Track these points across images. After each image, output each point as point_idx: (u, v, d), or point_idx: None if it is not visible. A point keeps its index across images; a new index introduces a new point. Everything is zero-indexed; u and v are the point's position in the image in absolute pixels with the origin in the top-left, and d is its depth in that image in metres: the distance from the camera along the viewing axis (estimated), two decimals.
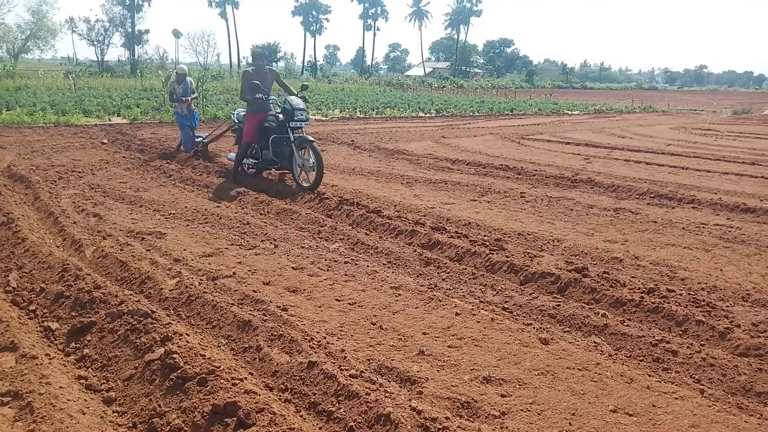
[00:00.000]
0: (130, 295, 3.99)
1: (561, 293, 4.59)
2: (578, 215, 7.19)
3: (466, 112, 25.81)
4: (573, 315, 4.09)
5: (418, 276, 4.90)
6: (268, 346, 3.40)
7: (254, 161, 8.79)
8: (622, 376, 3.27)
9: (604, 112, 30.05)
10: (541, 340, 3.67)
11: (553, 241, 5.97)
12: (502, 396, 3.04)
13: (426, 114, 24.49)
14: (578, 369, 3.33)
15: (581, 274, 4.80)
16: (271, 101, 8.56)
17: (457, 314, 4.04)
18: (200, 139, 10.84)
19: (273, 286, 4.51)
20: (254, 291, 4.32)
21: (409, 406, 2.84)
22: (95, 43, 55.10)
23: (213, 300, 3.97)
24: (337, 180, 8.97)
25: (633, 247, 5.89)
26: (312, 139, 8.00)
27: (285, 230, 6.08)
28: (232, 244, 5.50)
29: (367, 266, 5.00)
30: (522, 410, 2.92)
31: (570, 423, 2.82)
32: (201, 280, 4.48)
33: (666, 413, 2.93)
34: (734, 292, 4.70)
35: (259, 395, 2.80)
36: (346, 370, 3.15)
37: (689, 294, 4.53)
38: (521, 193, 8.41)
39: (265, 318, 3.78)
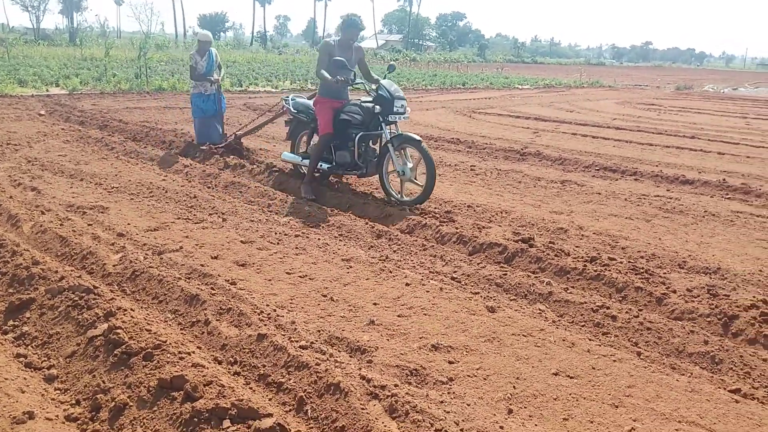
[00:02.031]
0: (71, 270, 3.86)
1: (508, 263, 4.70)
2: (526, 187, 7.34)
3: (419, 85, 25.79)
4: (519, 284, 4.20)
5: (369, 248, 4.92)
6: (217, 320, 3.36)
7: (322, 164, 6.59)
8: (564, 340, 3.39)
9: (553, 87, 30.55)
10: (488, 308, 3.76)
11: (502, 212, 6.08)
12: (450, 363, 3.11)
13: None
14: (523, 335, 3.44)
15: (527, 244, 4.92)
16: (356, 84, 6.45)
17: (407, 285, 4.09)
18: (218, 131, 8.62)
19: (221, 260, 4.45)
20: (202, 265, 4.25)
21: (359, 374, 2.87)
22: (30, 9, 52.18)
23: (159, 275, 3.88)
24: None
25: (578, 218, 6.07)
26: (419, 137, 6.01)
27: (234, 204, 5.98)
28: (179, 218, 5.38)
29: (319, 239, 4.98)
30: (468, 376, 2.99)
31: (514, 387, 2.91)
32: (146, 254, 4.37)
33: (605, 375, 3.06)
34: (671, 260, 4.92)
35: (207, 369, 2.77)
36: (296, 341, 3.15)
37: (629, 262, 4.71)
38: (471, 165, 8.51)
39: (213, 292, 3.73)
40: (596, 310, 3.84)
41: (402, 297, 3.89)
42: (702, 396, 2.92)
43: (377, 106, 6.11)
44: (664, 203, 6.78)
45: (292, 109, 7.11)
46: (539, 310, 3.85)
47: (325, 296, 3.88)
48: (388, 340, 3.34)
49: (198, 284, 3.85)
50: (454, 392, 2.85)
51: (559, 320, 3.73)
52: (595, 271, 4.42)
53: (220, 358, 3.06)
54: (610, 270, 4.46)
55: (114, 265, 4.10)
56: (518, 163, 8.87)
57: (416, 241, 5.06)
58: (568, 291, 4.11)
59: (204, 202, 5.96)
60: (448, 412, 2.65)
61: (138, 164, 7.60)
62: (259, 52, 50.89)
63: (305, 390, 2.75)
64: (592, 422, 2.66)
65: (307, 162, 6.68)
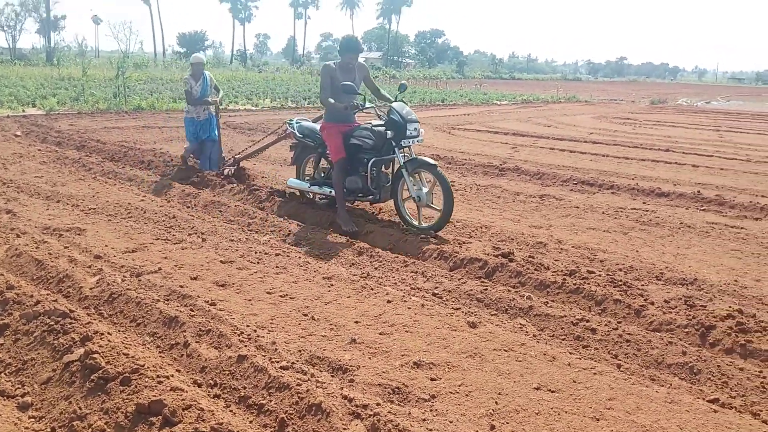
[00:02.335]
0: (47, 294, 3.79)
1: (488, 278, 4.72)
2: (505, 202, 7.40)
3: None
4: (499, 298, 4.22)
5: (350, 266, 4.91)
6: (196, 342, 3.32)
7: (332, 191, 6.27)
8: (545, 354, 3.40)
9: (531, 102, 30.98)
10: (470, 323, 3.77)
11: (482, 227, 6.12)
12: (432, 379, 3.11)
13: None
14: (504, 350, 3.45)
15: (507, 258, 4.95)
16: (366, 108, 6.15)
17: (388, 302, 4.08)
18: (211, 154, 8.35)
19: (201, 280, 4.41)
20: (181, 286, 4.20)
21: (341, 394, 2.85)
22: (5, 28, 51.72)
23: (137, 297, 3.83)
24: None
25: (557, 232, 6.13)
26: (434, 162, 5.83)
27: (213, 223, 5.95)
28: (158, 239, 5.32)
29: (299, 258, 4.96)
30: (451, 392, 2.99)
31: (496, 402, 2.92)
32: (124, 276, 4.32)
33: (586, 388, 3.08)
34: (649, 272, 4.98)
35: (186, 392, 2.74)
36: (277, 362, 3.13)
37: (608, 275, 4.76)
38: (451, 181, 8.51)
39: (192, 313, 3.69)
40: (576, 324, 3.87)
41: (384, 314, 3.88)
42: (681, 407, 2.95)
43: (389, 131, 5.87)
44: (641, 216, 6.88)
45: (297, 134, 6.77)
46: (520, 324, 3.87)
47: (306, 315, 3.86)
48: (370, 358, 3.32)
49: (177, 306, 3.80)
50: (436, 409, 2.84)
51: (539, 334, 3.75)
52: (575, 284, 4.46)
53: (199, 381, 3.02)
54: (589, 283, 4.50)
55: (91, 288, 4.04)
56: (497, 179, 8.95)
57: (397, 257, 5.07)
58: (548, 305, 4.14)
59: (183, 222, 5.91)
60: (431, 430, 2.64)
61: (116, 185, 7.52)
62: (239, 70, 50.92)
63: (286, 411, 2.72)
64: None
65: (316, 189, 6.57)
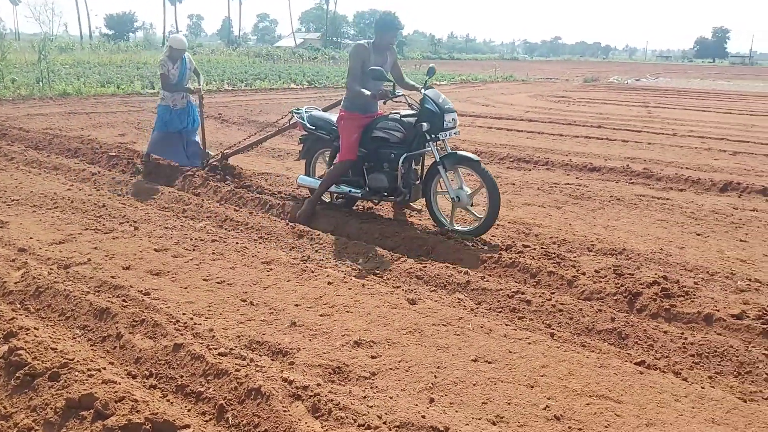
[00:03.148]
0: None
1: (428, 255, 4.79)
2: None
3: (339, 83, 25.72)
4: (438, 275, 4.29)
5: (290, 249, 4.87)
6: (130, 333, 3.23)
7: (351, 190, 5.63)
8: (482, 327, 3.49)
9: (470, 82, 31.33)
10: (409, 300, 3.81)
11: (422, 207, 6.17)
12: (372, 357, 3.14)
13: (298, 85, 24.14)
14: (443, 324, 3.51)
15: (446, 236, 5.03)
16: (396, 98, 5.37)
17: (329, 283, 4.08)
18: (195, 145, 7.41)
19: (133, 270, 4.27)
20: (112, 277, 4.06)
21: (281, 377, 2.84)
22: None
23: (65, 290, 3.67)
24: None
25: None
26: (477, 157, 5.21)
27: (146, 211, 5.76)
28: (87, 229, 5.11)
29: (237, 243, 4.88)
30: (391, 369, 3.03)
31: (435, 375, 2.97)
32: (51, 269, 4.13)
33: (521, 357, 3.18)
34: (581, 244, 5.17)
35: (120, 384, 2.66)
36: (215, 348, 3.08)
37: (542, 248, 4.91)
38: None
39: (125, 304, 3.58)
40: (512, 296, 3.98)
41: (324, 296, 3.88)
42: (610, 370, 3.09)
43: (425, 123, 5.12)
44: (574, 190, 7.12)
45: (308, 125, 5.91)
46: (458, 299, 3.95)
47: (244, 301, 3.81)
48: (310, 340, 3.32)
49: (108, 297, 3.68)
50: (377, 386, 2.88)
51: (477, 308, 3.84)
52: (511, 258, 4.58)
53: (134, 372, 2.94)
54: (524, 257, 4.63)
55: (15, 283, 3.85)
56: None
57: (339, 239, 5.06)
58: (485, 279, 4.23)
59: (114, 211, 5.70)
60: (371, 407, 2.67)
61: (41, 174, 7.16)
62: None
63: (225, 397, 2.69)
64: (509, 404, 2.76)
65: (331, 187, 5.71)
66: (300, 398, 2.70)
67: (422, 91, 5.22)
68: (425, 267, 4.42)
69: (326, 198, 5.98)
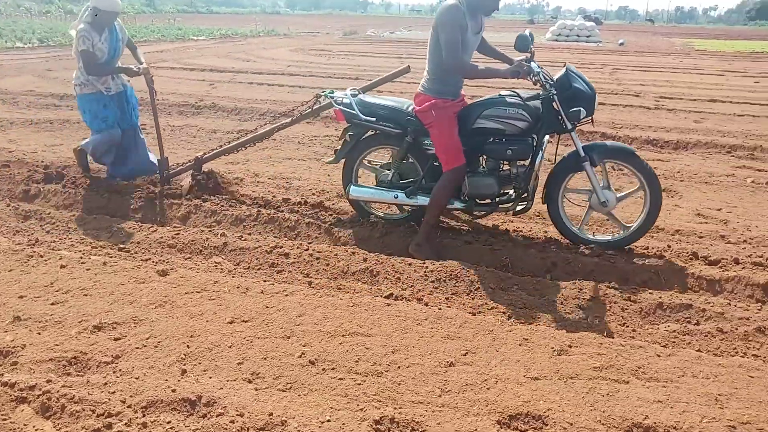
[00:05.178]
0: None
1: (183, 222, 4.53)
2: (201, 141, 7.15)
3: (68, 41, 22.74)
4: (193, 241, 4.09)
5: (14, 234, 4.21)
6: None
7: (427, 199, 4.22)
8: (238, 287, 3.41)
9: (230, 37, 30.11)
10: (159, 272, 3.56)
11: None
12: (116, 339, 2.87)
13: (26, 45, 20.78)
14: (197, 292, 3.35)
15: (201, 200, 4.80)
16: (536, 77, 3.88)
17: (62, 267, 3.61)
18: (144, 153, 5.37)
19: None
20: None
21: (0, 382, 2.46)
22: None
23: None
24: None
25: (253, 166, 6.15)
26: (632, 148, 4.22)
27: None
28: None
29: None
30: (137, 348, 2.81)
31: (188, 345, 2.83)
32: None
33: (278, 311, 3.18)
34: (339, 193, 5.33)
35: None
36: None
37: (302, 199, 4.97)
38: (141, 124, 7.87)
39: None
40: (270, 252, 3.96)
41: (56, 282, 3.42)
42: (362, 307, 3.25)
43: (581, 108, 3.92)
44: (333, 142, 7.31)
45: (361, 115, 4.34)
46: (215, 263, 3.81)
47: None
48: (39, 333, 2.91)
49: None
50: (120, 370, 2.64)
51: (234, 269, 3.75)
52: (269, 214, 4.55)
53: None
54: (282, 211, 4.64)
55: None
56: (193, 117, 8.56)
57: (74, 215, 4.51)
58: (243, 239, 4.14)
59: None
60: (113, 392, 2.45)
61: None
62: None
63: None
64: (265, 358, 2.75)
65: (404, 199, 4.35)
66: (26, 400, 2.37)
67: (568, 66, 4.06)
68: (178, 234, 4.17)
69: (379, 211, 4.71)
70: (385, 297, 3.42)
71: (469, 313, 3.28)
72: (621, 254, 4.02)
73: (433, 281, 3.66)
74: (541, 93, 4.01)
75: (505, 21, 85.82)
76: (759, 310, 3.33)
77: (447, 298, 3.46)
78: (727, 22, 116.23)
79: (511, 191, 4.23)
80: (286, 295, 3.37)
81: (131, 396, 2.44)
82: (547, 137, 4.10)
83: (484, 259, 3.98)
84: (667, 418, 2.40)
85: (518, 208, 4.23)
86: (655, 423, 2.37)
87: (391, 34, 39.31)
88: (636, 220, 4.11)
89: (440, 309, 3.28)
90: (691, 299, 3.41)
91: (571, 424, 2.35)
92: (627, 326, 3.22)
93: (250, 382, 2.59)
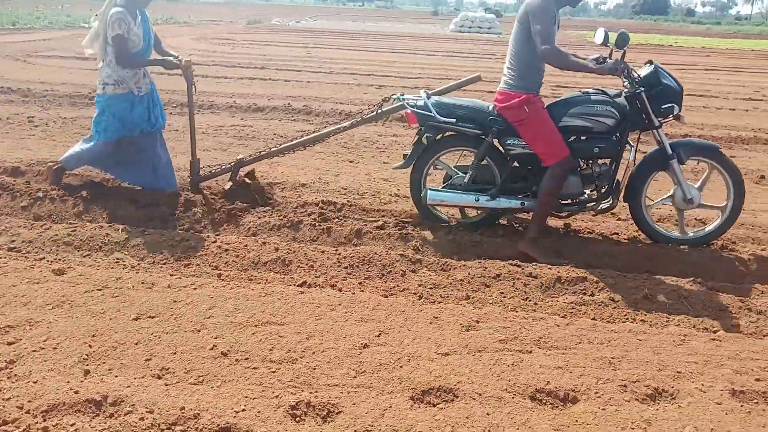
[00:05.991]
0: None
1: (79, 217, 4.29)
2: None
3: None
4: (92, 237, 3.88)
5: None
6: None
7: (525, 202, 4.16)
8: (143, 283, 3.29)
9: None
10: (55, 271, 3.36)
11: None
12: (9, 343, 2.68)
13: None
14: (98, 289, 3.19)
15: (106, 196, 4.55)
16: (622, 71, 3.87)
17: None
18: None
19: None
20: None
21: None
22: None
23: None
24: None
25: None
26: (715, 144, 4.25)
27: None
28: None
29: None
30: (34, 351, 2.64)
31: (90, 345, 2.70)
32: None
33: (186, 305, 3.09)
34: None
35: None
36: None
37: (207, 190, 4.83)
38: (29, 117, 7.37)
39: None
40: (176, 245, 3.84)
41: None
42: (274, 297, 3.23)
43: (674, 105, 3.95)
44: (239, 131, 7.16)
45: (439, 117, 4.15)
46: (117, 259, 3.64)
47: None
48: None
49: None
50: (16, 375, 2.48)
51: (138, 264, 3.60)
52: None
53: None
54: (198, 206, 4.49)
55: None
56: (87, 109, 8.06)
57: None
58: (146, 233, 3.98)
59: None
60: (8, 399, 2.30)
61: None
62: None
63: None
64: (175, 353, 2.67)
65: (488, 202, 4.19)
66: None
67: (653, 63, 4.05)
68: (75, 231, 3.93)
69: (442, 214, 4.54)
70: (298, 285, 3.41)
71: (382, 295, 3.34)
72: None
73: (346, 267, 3.70)
74: (625, 90, 4.04)
75: (408, 11, 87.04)
76: (645, 279, 3.63)
77: (360, 283, 3.50)
78: (615, 16, 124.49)
79: (594, 190, 4.20)
80: (195, 289, 3.28)
81: (29, 401, 2.29)
82: (661, 132, 4.05)
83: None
84: (567, 382, 2.57)
85: (602, 206, 4.19)
86: (556, 387, 2.54)
87: (297, 23, 38.79)
88: (716, 219, 4.17)
89: (354, 294, 3.32)
90: (585, 273, 3.66)
91: (480, 394, 2.47)
92: (529, 300, 3.41)
93: (159, 378, 2.51)
